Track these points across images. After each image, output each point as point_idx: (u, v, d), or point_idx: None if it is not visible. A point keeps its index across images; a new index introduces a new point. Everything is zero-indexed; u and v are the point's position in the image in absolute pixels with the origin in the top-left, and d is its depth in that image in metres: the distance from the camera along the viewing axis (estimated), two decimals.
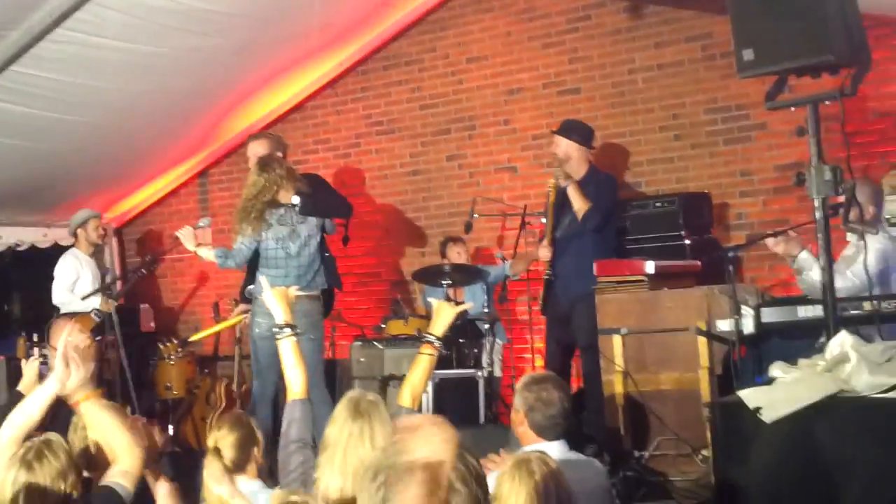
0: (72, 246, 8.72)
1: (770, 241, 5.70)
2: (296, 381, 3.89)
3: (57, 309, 8.29)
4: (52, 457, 3.25)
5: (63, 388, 3.29)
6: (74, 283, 8.36)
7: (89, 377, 3.34)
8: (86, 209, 8.82)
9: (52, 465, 3.23)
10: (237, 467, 3.90)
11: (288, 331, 3.96)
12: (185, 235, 6.70)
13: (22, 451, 3.25)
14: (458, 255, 8.01)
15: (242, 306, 7.52)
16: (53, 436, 3.37)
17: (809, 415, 4.09)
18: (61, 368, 3.28)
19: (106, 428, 3.33)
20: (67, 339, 3.30)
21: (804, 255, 5.53)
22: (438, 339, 4.11)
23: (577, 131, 7.14)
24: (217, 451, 3.77)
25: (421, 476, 2.01)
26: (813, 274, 5.55)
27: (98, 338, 7.66)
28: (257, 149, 6.99)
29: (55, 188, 9.04)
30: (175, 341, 8.48)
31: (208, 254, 6.65)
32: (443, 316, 4.18)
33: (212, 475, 3.71)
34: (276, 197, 6.58)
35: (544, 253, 7.10)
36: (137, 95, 7.81)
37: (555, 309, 7.17)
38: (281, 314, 4.01)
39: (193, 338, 7.88)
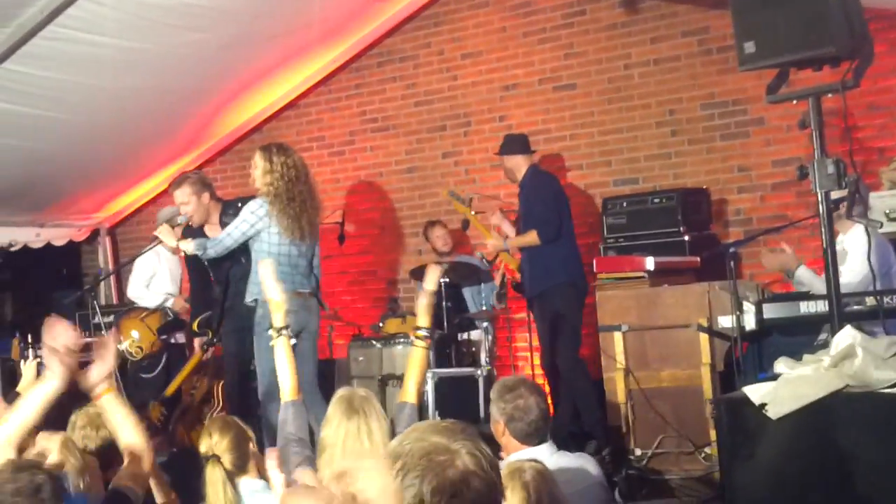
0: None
1: (765, 260, 5.74)
2: (288, 382, 3.88)
3: (131, 302, 8.26)
4: (70, 456, 3.22)
5: (86, 380, 3.28)
6: (151, 279, 8.21)
7: (109, 371, 3.35)
8: (171, 206, 8.79)
9: (71, 464, 3.21)
10: (238, 469, 3.85)
11: (286, 332, 3.95)
12: (164, 232, 6.63)
13: (36, 451, 3.21)
14: (438, 238, 8.05)
15: (199, 340, 7.44)
16: (66, 435, 3.34)
17: (815, 410, 4.04)
18: (55, 367, 3.24)
19: (122, 425, 3.32)
20: (58, 338, 3.27)
21: (802, 272, 5.53)
22: (426, 328, 4.16)
23: (510, 144, 7.25)
24: (216, 458, 3.72)
25: (438, 461, 2.05)
26: (814, 289, 5.50)
27: (164, 336, 7.73)
28: (182, 197, 6.72)
29: (47, 187, 8.97)
30: (161, 408, 8.16)
31: (187, 246, 6.45)
32: (423, 305, 4.24)
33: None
34: None
35: (493, 244, 7.25)
36: (130, 93, 7.75)
37: (531, 310, 7.26)
38: (282, 316, 3.99)
39: (170, 391, 7.74)
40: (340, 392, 3.58)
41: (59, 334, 3.32)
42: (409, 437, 2.13)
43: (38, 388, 3.34)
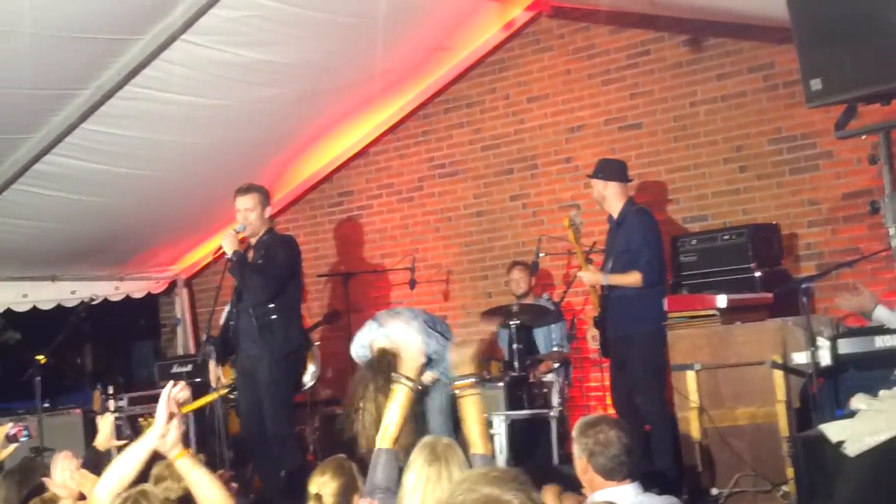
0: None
1: (842, 302, 5.69)
2: (392, 430, 3.91)
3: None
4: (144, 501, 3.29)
5: (163, 444, 3.34)
6: None
7: (178, 436, 3.40)
8: None
9: None
10: None
11: (410, 384, 4.01)
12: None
13: (118, 501, 3.28)
14: (515, 281, 8.05)
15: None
16: (147, 486, 3.41)
17: (894, 447, 4.01)
18: (162, 423, 3.31)
19: (200, 484, 3.37)
20: (170, 395, 3.34)
21: (880, 311, 5.45)
22: (467, 376, 4.06)
23: (608, 170, 7.05)
24: (318, 497, 3.74)
25: None
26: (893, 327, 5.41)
27: None
28: (247, 202, 6.88)
29: (126, 242, 9.19)
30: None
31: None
32: (458, 359, 4.13)
33: None
34: None
35: (590, 277, 6.94)
36: (203, 148, 7.95)
37: (609, 352, 7.05)
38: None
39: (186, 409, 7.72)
40: (425, 439, 3.59)
41: (170, 390, 3.41)
42: (460, 488, 2.08)
43: (139, 443, 3.43)
